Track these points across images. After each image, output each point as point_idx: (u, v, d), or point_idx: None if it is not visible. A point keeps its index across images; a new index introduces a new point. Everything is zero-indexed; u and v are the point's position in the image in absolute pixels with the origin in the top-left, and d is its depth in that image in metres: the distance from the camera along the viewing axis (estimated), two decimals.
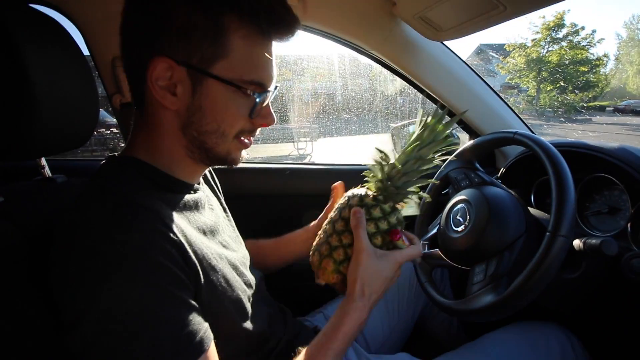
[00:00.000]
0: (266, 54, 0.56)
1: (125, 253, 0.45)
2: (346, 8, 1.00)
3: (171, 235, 0.50)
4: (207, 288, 0.54)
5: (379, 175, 0.66)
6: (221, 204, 0.82)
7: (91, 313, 0.43)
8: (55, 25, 0.64)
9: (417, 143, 0.64)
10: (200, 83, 0.54)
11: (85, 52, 1.07)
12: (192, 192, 0.64)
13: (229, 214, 0.83)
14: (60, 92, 0.60)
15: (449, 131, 0.65)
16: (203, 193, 0.68)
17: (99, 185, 0.54)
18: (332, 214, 0.70)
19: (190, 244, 0.53)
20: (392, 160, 0.65)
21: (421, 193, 0.66)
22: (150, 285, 0.45)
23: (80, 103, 0.66)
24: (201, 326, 0.49)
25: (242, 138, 0.61)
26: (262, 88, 0.57)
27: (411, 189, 0.65)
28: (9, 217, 0.58)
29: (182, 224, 0.54)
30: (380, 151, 0.66)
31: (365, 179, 0.69)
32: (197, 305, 0.50)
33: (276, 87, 0.63)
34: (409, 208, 1.37)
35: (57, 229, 0.50)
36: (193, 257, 0.52)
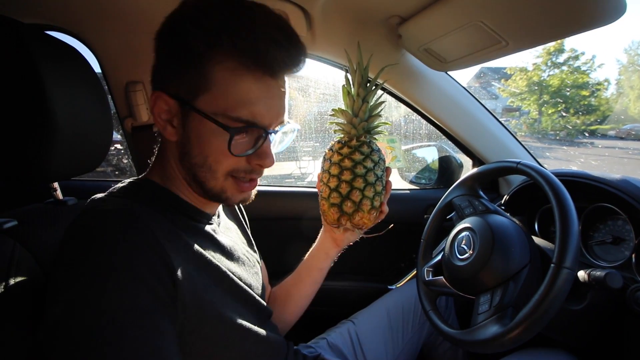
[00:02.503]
0: (258, 90, 0.53)
1: (112, 262, 0.44)
2: (353, 39, 1.04)
3: (163, 254, 0.48)
4: (193, 321, 0.51)
5: (346, 115, 0.76)
6: (246, 235, 0.82)
7: (65, 318, 0.41)
8: (74, 53, 0.66)
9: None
10: (187, 115, 0.54)
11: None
12: (206, 221, 0.64)
13: (253, 244, 0.83)
14: (77, 118, 0.62)
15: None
16: (218, 227, 0.68)
17: (100, 199, 0.54)
18: (326, 174, 0.76)
19: (183, 271, 0.50)
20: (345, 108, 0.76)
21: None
22: (129, 297, 0.43)
23: (95, 129, 0.68)
24: (171, 356, 0.44)
25: (239, 178, 0.59)
26: (252, 125, 0.54)
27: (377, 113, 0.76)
28: (22, 240, 0.59)
29: (182, 249, 0.53)
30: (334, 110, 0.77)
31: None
32: (173, 330, 0.47)
33: (282, 125, 0.60)
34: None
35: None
36: (185, 284, 0.50)
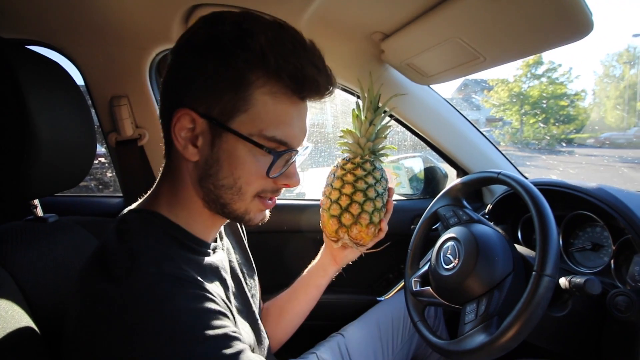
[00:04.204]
0: (293, 112, 0.54)
1: (178, 322, 0.43)
2: (338, 54, 1.06)
3: (214, 298, 0.49)
4: None
5: (354, 136, 0.80)
6: (245, 253, 0.81)
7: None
8: (57, 68, 0.66)
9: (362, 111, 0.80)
10: (219, 136, 0.52)
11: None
12: (210, 251, 0.61)
13: (252, 262, 0.82)
14: (59, 133, 0.61)
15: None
16: (222, 253, 0.66)
17: (127, 251, 0.48)
18: (329, 188, 0.80)
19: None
20: (354, 129, 0.81)
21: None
22: (210, 341, 0.43)
23: (78, 145, 0.67)
24: None
25: (264, 198, 0.58)
26: (285, 146, 0.54)
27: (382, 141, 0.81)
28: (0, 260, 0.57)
29: (213, 288, 0.53)
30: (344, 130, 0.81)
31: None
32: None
33: (307, 147, 0.61)
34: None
35: (84, 297, 0.46)
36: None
